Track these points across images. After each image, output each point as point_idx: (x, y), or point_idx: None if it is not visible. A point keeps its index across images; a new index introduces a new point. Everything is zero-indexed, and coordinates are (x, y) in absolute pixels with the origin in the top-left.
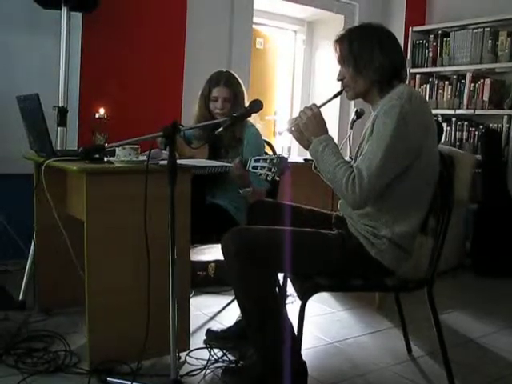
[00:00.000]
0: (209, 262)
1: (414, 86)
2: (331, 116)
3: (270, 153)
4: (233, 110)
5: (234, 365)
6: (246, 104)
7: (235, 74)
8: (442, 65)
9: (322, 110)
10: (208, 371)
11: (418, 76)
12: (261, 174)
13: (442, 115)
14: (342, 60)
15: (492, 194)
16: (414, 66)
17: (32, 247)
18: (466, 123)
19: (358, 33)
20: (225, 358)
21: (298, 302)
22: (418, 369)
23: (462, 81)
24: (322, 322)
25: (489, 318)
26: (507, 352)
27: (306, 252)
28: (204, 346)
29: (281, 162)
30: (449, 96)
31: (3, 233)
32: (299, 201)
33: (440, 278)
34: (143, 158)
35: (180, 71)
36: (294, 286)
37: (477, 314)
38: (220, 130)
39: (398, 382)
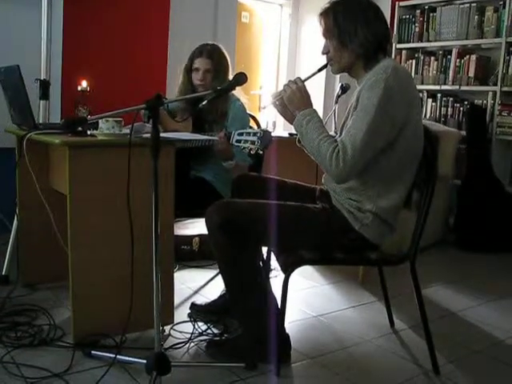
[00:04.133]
0: (193, 236)
1: (400, 62)
2: (316, 90)
3: (255, 127)
4: (214, 83)
5: (218, 338)
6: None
7: (221, 48)
8: (428, 40)
9: (306, 84)
10: (192, 344)
11: (403, 51)
12: (244, 148)
13: (428, 91)
14: (327, 33)
15: (476, 170)
16: (400, 42)
17: (15, 222)
18: (451, 99)
19: (342, 6)
20: (209, 331)
21: (282, 276)
22: (400, 341)
23: (448, 56)
24: (306, 296)
25: (471, 292)
26: (488, 325)
27: (290, 225)
28: (188, 319)
29: (264, 136)
30: (434, 72)
31: None
32: (284, 175)
33: (424, 252)
34: (126, 131)
35: (164, 44)
36: (277, 259)
37: (459, 288)
38: (204, 103)
39: (381, 355)
